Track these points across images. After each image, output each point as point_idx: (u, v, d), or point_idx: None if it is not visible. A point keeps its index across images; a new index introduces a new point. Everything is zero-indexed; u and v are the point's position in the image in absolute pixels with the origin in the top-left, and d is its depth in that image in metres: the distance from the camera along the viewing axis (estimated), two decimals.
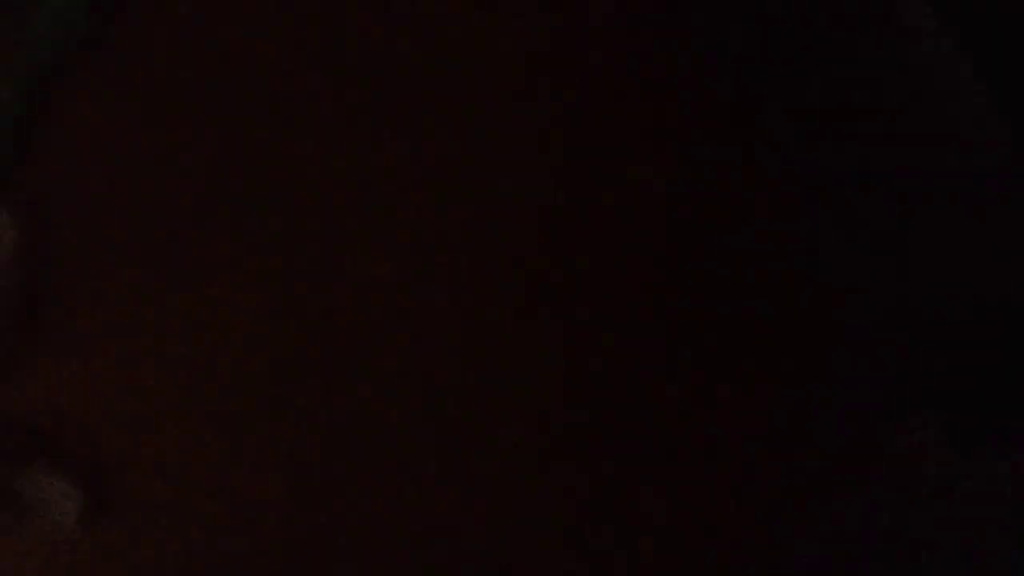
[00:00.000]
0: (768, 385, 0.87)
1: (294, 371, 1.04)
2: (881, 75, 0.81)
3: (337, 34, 0.75)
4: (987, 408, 0.87)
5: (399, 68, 0.74)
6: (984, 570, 0.86)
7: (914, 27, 0.86)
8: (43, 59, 0.87)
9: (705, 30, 0.81)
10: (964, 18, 0.87)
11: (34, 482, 0.99)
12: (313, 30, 0.78)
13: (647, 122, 0.78)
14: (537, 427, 0.80)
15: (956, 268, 0.85)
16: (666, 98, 0.78)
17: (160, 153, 1.00)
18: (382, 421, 0.78)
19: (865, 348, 0.90)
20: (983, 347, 0.86)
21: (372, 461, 0.85)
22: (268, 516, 1.09)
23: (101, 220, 1.05)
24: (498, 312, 0.79)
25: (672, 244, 0.77)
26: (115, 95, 0.91)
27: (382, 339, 0.78)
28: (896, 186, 0.86)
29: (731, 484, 0.90)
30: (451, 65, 0.76)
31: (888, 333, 0.93)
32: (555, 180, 0.75)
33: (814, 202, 0.87)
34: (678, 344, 0.79)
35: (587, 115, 0.78)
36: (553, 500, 0.78)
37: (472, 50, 0.82)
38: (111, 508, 1.06)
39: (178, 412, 1.09)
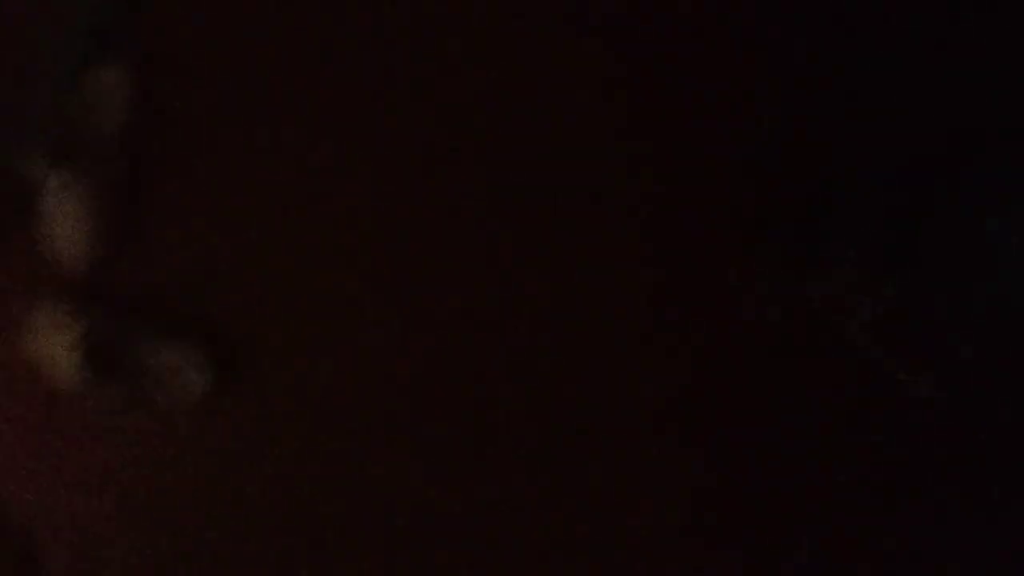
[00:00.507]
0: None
1: (410, 251, 1.09)
2: None
3: None
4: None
5: None
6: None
7: None
8: None
9: None
10: None
11: (160, 354, 1.02)
12: None
13: None
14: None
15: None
16: None
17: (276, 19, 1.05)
18: None
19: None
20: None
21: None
22: (393, 374, 1.13)
23: (218, 78, 1.08)
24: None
25: None
26: None
27: None
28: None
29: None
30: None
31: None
32: None
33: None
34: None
35: None
36: None
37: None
38: (234, 378, 1.09)
39: (302, 281, 1.13)
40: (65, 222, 1.01)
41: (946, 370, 0.91)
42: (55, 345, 1.00)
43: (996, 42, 0.90)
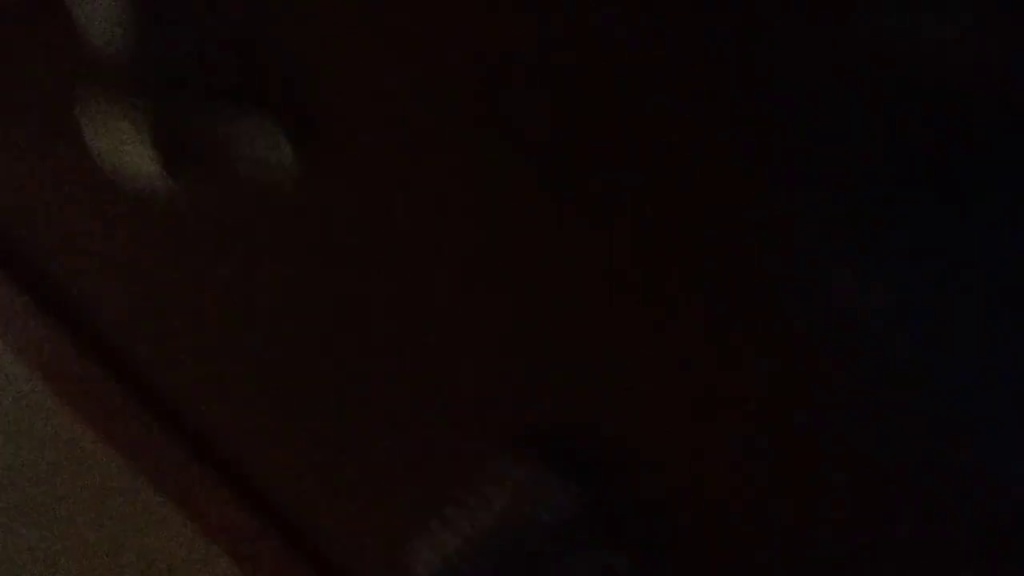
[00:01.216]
0: None
1: None
2: None
3: None
4: None
5: None
6: None
7: None
8: None
9: None
10: None
11: (246, 124, 1.00)
12: None
13: None
14: None
15: None
16: None
17: None
18: None
19: None
20: None
21: None
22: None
23: None
24: None
25: None
26: None
27: None
28: None
29: None
30: None
31: None
32: None
33: None
34: None
35: None
36: None
37: None
38: (317, 146, 1.09)
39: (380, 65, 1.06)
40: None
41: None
42: (125, 142, 0.96)
43: None
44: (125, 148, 0.99)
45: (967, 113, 0.84)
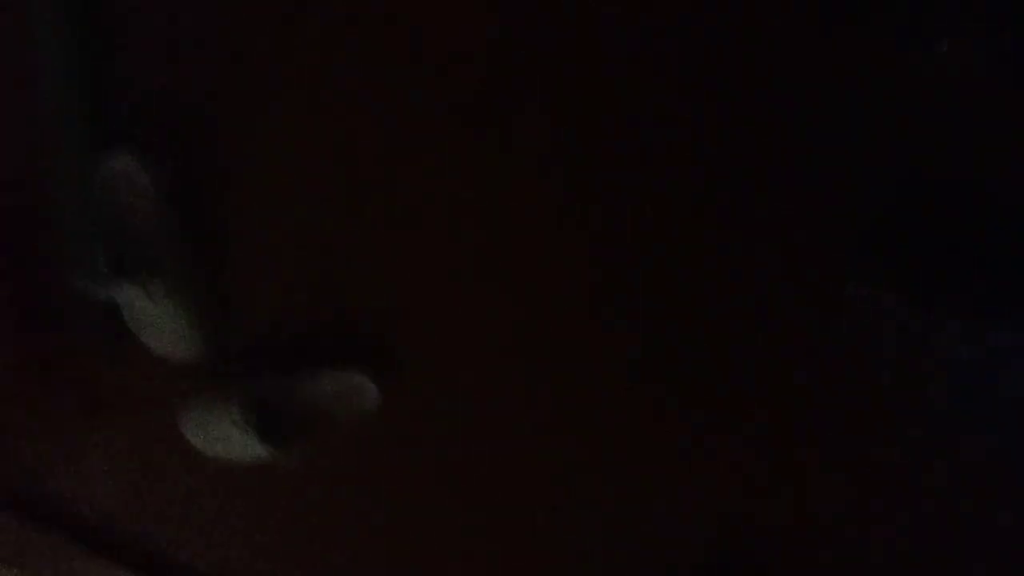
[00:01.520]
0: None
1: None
2: None
3: None
4: (943, 267, 0.90)
5: None
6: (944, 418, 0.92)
7: None
8: None
9: None
10: None
11: (325, 382, 1.07)
12: None
13: None
14: None
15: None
16: None
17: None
18: None
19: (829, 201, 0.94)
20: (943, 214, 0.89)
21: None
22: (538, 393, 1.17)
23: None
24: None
25: None
26: None
27: None
28: None
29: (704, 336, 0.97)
30: None
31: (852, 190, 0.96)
32: None
33: None
34: None
35: None
36: None
37: None
38: (400, 391, 1.14)
39: (452, 301, 1.14)
40: (164, 320, 0.99)
41: None
42: (225, 426, 1.02)
43: None
44: (220, 430, 1.05)
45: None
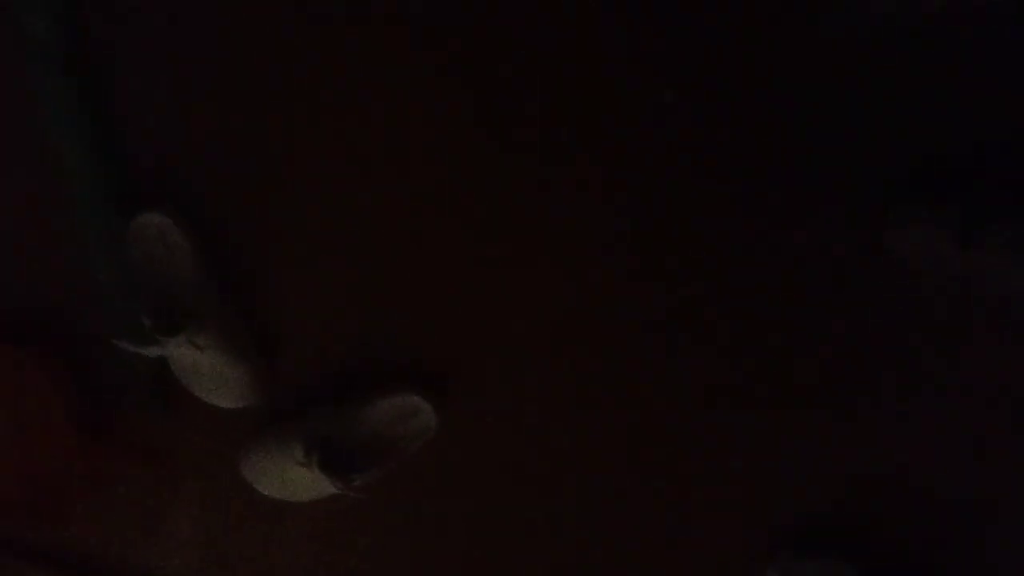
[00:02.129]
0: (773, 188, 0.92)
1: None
2: None
3: None
4: (987, 203, 0.88)
5: None
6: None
7: None
8: None
9: None
10: None
11: (380, 409, 1.05)
12: None
13: None
14: None
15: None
16: None
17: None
18: None
19: (868, 148, 0.91)
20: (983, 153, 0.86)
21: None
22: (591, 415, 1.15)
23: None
24: None
25: None
26: None
27: None
28: None
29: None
30: None
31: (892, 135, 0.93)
32: None
33: None
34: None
35: None
36: None
37: None
38: (457, 402, 1.13)
39: (505, 323, 1.12)
40: (214, 370, 1.00)
41: None
42: (289, 467, 1.01)
43: None
44: (285, 472, 1.05)
45: None
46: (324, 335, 1.05)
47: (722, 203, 0.93)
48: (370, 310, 1.03)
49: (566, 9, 0.91)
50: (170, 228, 0.99)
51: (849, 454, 0.98)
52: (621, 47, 0.91)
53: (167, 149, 1.02)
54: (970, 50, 0.85)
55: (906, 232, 0.89)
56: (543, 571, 1.08)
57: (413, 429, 1.03)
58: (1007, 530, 0.96)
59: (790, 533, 1.01)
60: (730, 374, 0.97)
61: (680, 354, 0.98)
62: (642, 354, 0.99)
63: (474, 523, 1.08)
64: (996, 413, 0.93)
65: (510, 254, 0.99)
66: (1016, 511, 0.96)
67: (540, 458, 1.03)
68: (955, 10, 0.85)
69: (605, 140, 0.94)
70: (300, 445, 1.01)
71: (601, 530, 1.04)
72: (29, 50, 1.00)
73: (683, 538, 1.03)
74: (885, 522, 1.00)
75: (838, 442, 0.98)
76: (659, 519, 1.03)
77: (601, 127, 0.94)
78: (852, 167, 0.90)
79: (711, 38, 0.90)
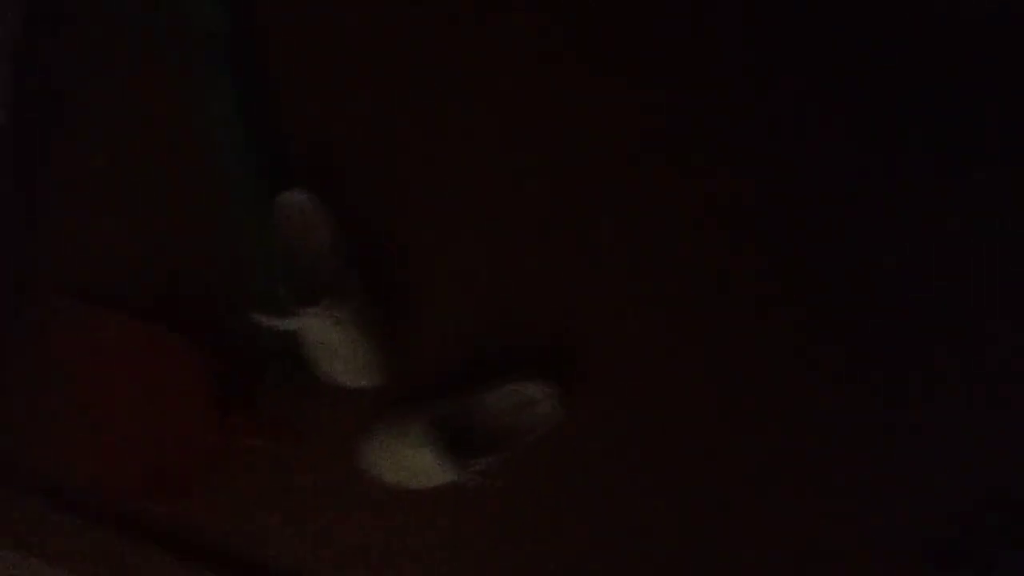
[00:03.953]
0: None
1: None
2: None
3: None
4: None
5: None
6: None
7: None
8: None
9: None
10: None
11: (504, 396, 1.05)
12: None
13: None
14: None
15: None
16: None
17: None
18: None
19: None
20: None
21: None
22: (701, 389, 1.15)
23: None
24: None
25: None
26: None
27: None
28: None
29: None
30: None
31: None
32: None
33: None
34: None
35: None
36: None
37: None
38: (580, 391, 1.13)
39: (623, 303, 1.13)
40: (348, 347, 1.02)
41: None
42: (411, 451, 1.02)
43: None
44: (406, 456, 1.05)
45: None
46: (451, 320, 1.07)
47: None
48: (499, 297, 1.05)
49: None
50: (312, 206, 1.03)
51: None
52: None
53: (317, 135, 1.08)
54: None
55: None
56: (659, 572, 1.05)
57: (535, 417, 1.03)
58: None
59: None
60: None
61: (820, 372, 0.97)
62: (781, 362, 0.98)
63: (592, 518, 1.07)
64: None
65: (639, 249, 1.00)
66: None
67: (668, 461, 1.02)
68: None
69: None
70: (423, 427, 1.01)
71: (724, 538, 1.02)
72: (194, 38, 1.07)
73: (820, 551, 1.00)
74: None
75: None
76: (793, 532, 1.00)
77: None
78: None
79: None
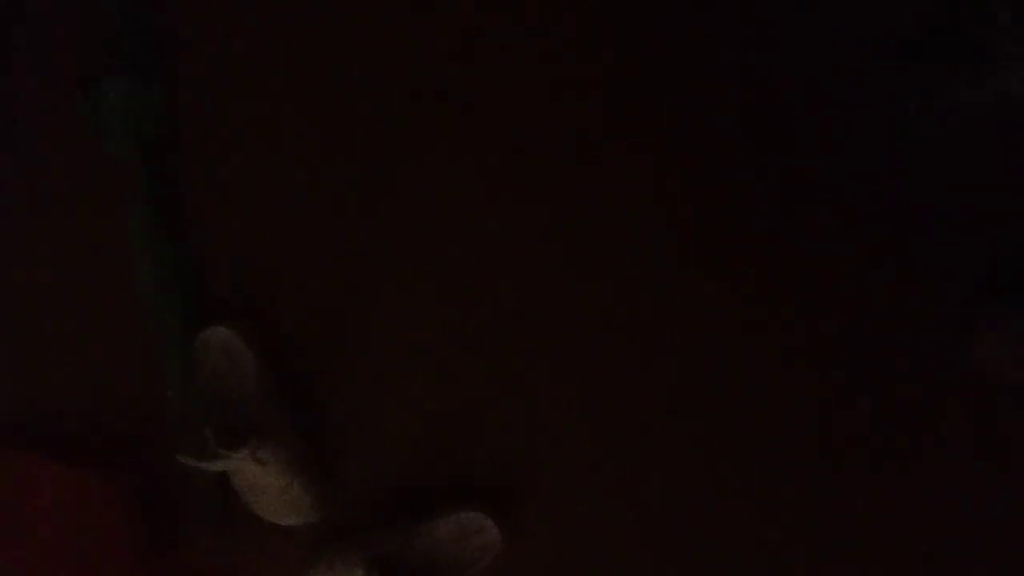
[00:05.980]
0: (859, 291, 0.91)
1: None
2: None
3: None
4: None
5: None
6: None
7: None
8: None
9: None
10: None
11: (443, 527, 1.01)
12: None
13: None
14: None
15: None
16: None
17: None
18: None
19: (948, 259, 0.91)
20: None
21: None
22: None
23: None
24: None
25: None
26: None
27: None
28: None
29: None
30: None
31: (969, 244, 0.94)
32: None
33: None
34: None
35: None
36: None
37: None
38: (519, 522, 1.08)
39: (560, 438, 1.08)
40: (276, 485, 0.99)
41: None
42: None
43: None
44: None
45: None
46: (388, 450, 1.04)
47: None
48: (432, 427, 1.02)
49: None
50: (234, 342, 1.00)
51: None
52: None
53: (239, 268, 1.05)
54: None
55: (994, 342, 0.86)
56: None
57: (476, 547, 1.00)
58: None
59: None
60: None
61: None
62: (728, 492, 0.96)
63: None
64: None
65: (577, 375, 0.98)
66: None
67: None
68: None
69: None
70: (361, 565, 0.98)
71: None
72: (115, 173, 1.04)
73: None
74: None
75: None
76: None
77: None
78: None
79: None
